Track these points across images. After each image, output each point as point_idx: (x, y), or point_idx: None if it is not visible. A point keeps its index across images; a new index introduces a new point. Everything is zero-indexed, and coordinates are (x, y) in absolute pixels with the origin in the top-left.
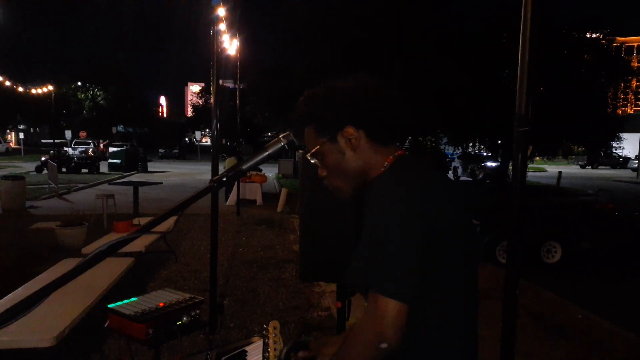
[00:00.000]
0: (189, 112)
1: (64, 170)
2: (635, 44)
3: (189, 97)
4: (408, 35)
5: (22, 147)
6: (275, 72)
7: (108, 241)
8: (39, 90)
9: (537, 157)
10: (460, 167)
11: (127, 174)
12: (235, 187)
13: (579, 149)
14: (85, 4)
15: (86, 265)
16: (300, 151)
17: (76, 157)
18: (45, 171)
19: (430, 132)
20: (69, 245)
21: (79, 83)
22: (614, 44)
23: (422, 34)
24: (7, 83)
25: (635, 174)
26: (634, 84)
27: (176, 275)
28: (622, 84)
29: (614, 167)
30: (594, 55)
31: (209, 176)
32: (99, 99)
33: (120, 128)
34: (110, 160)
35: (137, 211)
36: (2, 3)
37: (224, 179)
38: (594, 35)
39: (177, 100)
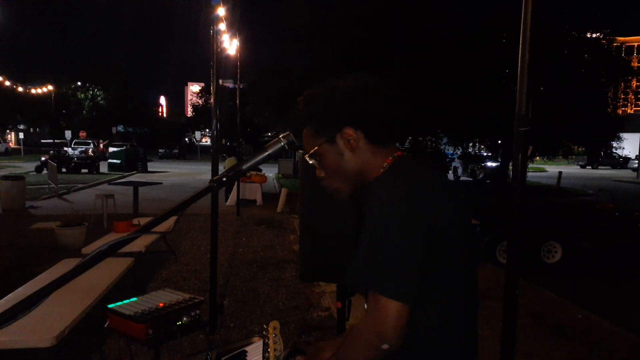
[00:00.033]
0: (189, 112)
1: (63, 170)
2: (636, 44)
3: (189, 97)
4: (408, 35)
5: (21, 147)
6: (275, 72)
7: (108, 241)
8: (39, 90)
9: (537, 157)
10: (460, 167)
11: (127, 174)
12: (235, 187)
13: (579, 149)
14: (85, 4)
15: (86, 265)
16: (300, 151)
17: (76, 157)
18: (45, 171)
19: (430, 132)
20: (68, 245)
21: (79, 83)
22: (614, 44)
23: (422, 34)
24: (7, 83)
25: (635, 174)
26: (634, 84)
27: (176, 275)
28: (622, 84)
29: (614, 167)
30: (594, 55)
31: (209, 176)
32: (99, 99)
33: (120, 128)
34: (110, 160)
35: (137, 211)
36: (2, 3)
37: (224, 179)
38: (594, 35)
39: (177, 100)
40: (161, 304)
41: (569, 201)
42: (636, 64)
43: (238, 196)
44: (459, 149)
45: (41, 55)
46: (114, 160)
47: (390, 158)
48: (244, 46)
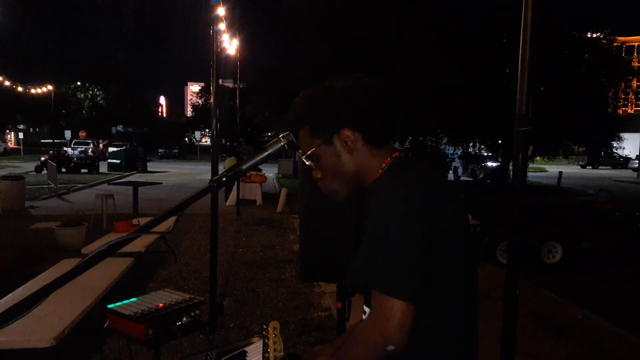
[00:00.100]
0: (189, 112)
1: (63, 170)
2: (636, 44)
3: (189, 97)
4: (408, 35)
5: (21, 147)
6: (275, 72)
7: (108, 241)
8: (39, 90)
9: (538, 157)
10: (460, 167)
11: (127, 174)
12: (235, 187)
13: (580, 149)
14: (85, 4)
15: (86, 266)
16: (299, 151)
17: (76, 157)
18: (44, 171)
19: (430, 132)
20: (68, 245)
21: (79, 83)
22: (615, 44)
23: (422, 34)
24: (7, 83)
25: (635, 174)
26: (635, 83)
27: (176, 275)
28: (622, 84)
29: (614, 167)
30: (594, 55)
31: (208, 176)
32: (99, 98)
33: (120, 128)
34: (109, 160)
35: (137, 211)
36: (2, 3)
37: (224, 179)
38: (594, 35)
39: (177, 100)
40: (161, 304)
41: (569, 201)
42: (636, 64)
43: (238, 196)
44: (459, 149)
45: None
46: (114, 160)
47: (388, 159)
48: (244, 46)
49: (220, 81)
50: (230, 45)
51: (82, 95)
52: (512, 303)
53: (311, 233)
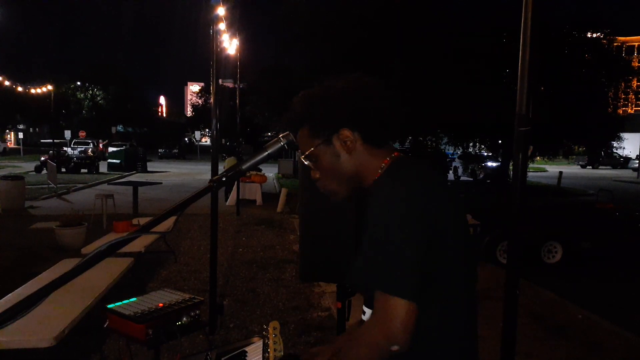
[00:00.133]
0: (189, 112)
1: (63, 170)
2: (636, 44)
3: (189, 97)
4: (408, 35)
5: (21, 147)
6: (275, 72)
7: (108, 241)
8: (39, 90)
9: (538, 157)
10: (460, 167)
11: (127, 174)
12: (235, 187)
13: (580, 149)
14: (85, 4)
15: (86, 265)
16: (299, 151)
17: (75, 157)
18: (44, 171)
19: (431, 132)
20: (68, 245)
21: (79, 83)
22: (615, 44)
23: (422, 34)
24: (7, 83)
25: (635, 174)
26: (635, 83)
27: (176, 275)
28: (622, 84)
29: (614, 167)
30: (594, 55)
31: (208, 176)
32: (99, 98)
33: (120, 128)
34: (109, 160)
35: (137, 211)
36: (2, 3)
37: (224, 179)
38: (594, 35)
39: (177, 100)
40: (161, 304)
41: (569, 201)
42: (636, 64)
43: (238, 196)
44: (459, 149)
45: (41, 55)
46: (114, 160)
47: (388, 159)
48: (244, 46)
49: (220, 81)
50: (230, 45)
51: (82, 95)
52: (512, 303)
53: (311, 233)
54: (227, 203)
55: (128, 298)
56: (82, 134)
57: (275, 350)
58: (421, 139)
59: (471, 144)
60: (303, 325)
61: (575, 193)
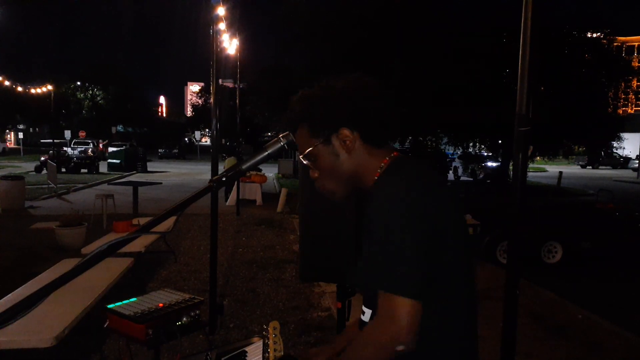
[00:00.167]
0: (189, 112)
1: (63, 170)
2: (636, 44)
3: (189, 97)
4: (408, 35)
5: (21, 147)
6: (275, 72)
7: (108, 241)
8: (39, 90)
9: (538, 157)
10: (460, 167)
11: (127, 174)
12: (235, 187)
13: (580, 149)
14: (85, 4)
15: (86, 266)
16: (298, 150)
17: (75, 157)
18: (44, 171)
19: (431, 132)
20: (68, 245)
21: (79, 83)
22: (615, 44)
23: (422, 34)
24: (7, 83)
25: (635, 174)
26: (635, 83)
27: (176, 275)
28: (622, 84)
29: (614, 167)
30: (594, 55)
31: (208, 176)
32: (99, 98)
33: (120, 128)
34: (109, 160)
35: (137, 211)
36: (2, 3)
37: (224, 179)
38: (594, 35)
39: (177, 100)
40: (161, 304)
41: (569, 201)
42: (636, 64)
43: (238, 196)
44: (459, 149)
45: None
46: (114, 160)
47: (387, 158)
48: (244, 46)
49: (220, 81)
50: (230, 45)
51: (82, 95)
52: (512, 303)
53: (311, 233)
54: (227, 203)
55: (128, 298)
56: (82, 134)
57: (275, 350)
58: (421, 139)
59: (471, 144)
60: (303, 325)
61: (575, 193)
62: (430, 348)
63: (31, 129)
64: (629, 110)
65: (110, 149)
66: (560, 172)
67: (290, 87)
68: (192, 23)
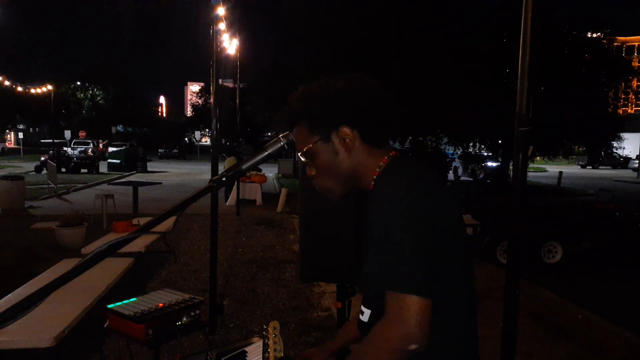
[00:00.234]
0: (189, 112)
1: (63, 170)
2: (636, 44)
3: (189, 97)
4: (408, 35)
5: (21, 147)
6: (275, 71)
7: (108, 241)
8: (39, 90)
9: (538, 157)
10: (460, 167)
11: (127, 174)
12: (235, 187)
13: (580, 149)
14: (85, 4)
15: (86, 265)
16: (297, 147)
17: (75, 157)
18: (44, 171)
19: (431, 132)
20: (68, 245)
21: (79, 83)
22: (615, 44)
23: (422, 34)
24: (7, 83)
25: (635, 174)
26: (635, 83)
27: (176, 275)
28: (622, 84)
29: (614, 167)
30: (594, 55)
31: (208, 176)
32: (99, 98)
33: (120, 128)
34: (109, 160)
35: (137, 211)
36: (2, 3)
37: (224, 179)
38: (594, 35)
39: (177, 99)
40: (161, 304)
41: (569, 201)
42: (636, 64)
43: (238, 196)
44: (459, 149)
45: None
46: (114, 160)
47: (386, 158)
48: (244, 46)
49: (220, 81)
50: (230, 45)
51: (82, 95)
52: (512, 303)
53: (311, 233)
54: (227, 203)
55: (128, 298)
56: (82, 134)
57: (275, 350)
58: (421, 139)
59: (471, 144)
60: (303, 325)
61: (575, 193)
62: (431, 348)
63: (31, 129)
64: (629, 110)
65: (110, 149)
66: (560, 172)
67: (290, 87)
68: (192, 23)
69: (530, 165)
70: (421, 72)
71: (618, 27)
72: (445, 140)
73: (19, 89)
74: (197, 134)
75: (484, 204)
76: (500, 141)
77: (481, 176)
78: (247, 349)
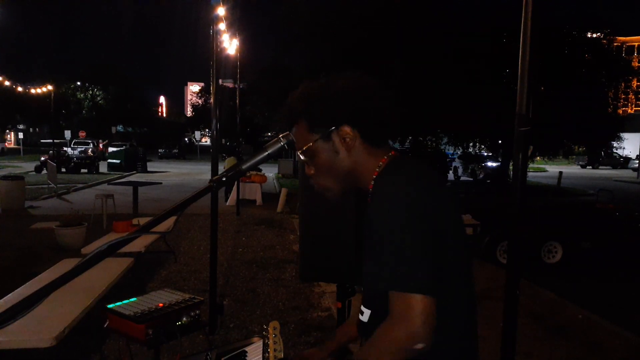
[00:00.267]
0: (189, 112)
1: (63, 170)
2: (636, 44)
3: (189, 97)
4: (408, 35)
5: (21, 147)
6: (275, 72)
7: (108, 241)
8: (39, 90)
9: (538, 157)
10: (460, 167)
11: (127, 174)
12: (235, 187)
13: (580, 149)
14: (85, 4)
15: (86, 265)
16: (296, 146)
17: (75, 157)
18: (44, 171)
19: (431, 132)
20: (68, 245)
21: (79, 83)
22: (615, 44)
23: (422, 34)
24: (7, 83)
25: (635, 174)
26: (635, 83)
27: (176, 275)
28: (622, 84)
29: (614, 167)
30: (594, 55)
31: (208, 176)
32: (99, 98)
33: (120, 128)
34: (109, 160)
35: (137, 211)
36: (2, 3)
37: (224, 179)
38: (594, 35)
39: (177, 99)
40: (161, 304)
41: (569, 201)
42: (636, 64)
43: (238, 196)
44: (459, 149)
45: (41, 55)
46: (114, 160)
47: (385, 158)
48: (244, 46)
49: (220, 81)
50: (230, 45)
51: (82, 95)
52: (512, 303)
53: (311, 233)
54: (227, 203)
55: (128, 298)
56: (82, 134)
57: (275, 350)
58: (421, 139)
59: (471, 144)
60: (303, 325)
61: (575, 193)
62: (431, 348)
63: (31, 129)
64: (629, 110)
65: (110, 149)
66: (560, 172)
67: (290, 87)
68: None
69: (530, 165)
70: (421, 72)
71: (618, 27)
72: (445, 140)
73: (19, 89)
74: (197, 134)
75: (484, 204)
76: (500, 141)
77: (481, 176)
78: (247, 349)
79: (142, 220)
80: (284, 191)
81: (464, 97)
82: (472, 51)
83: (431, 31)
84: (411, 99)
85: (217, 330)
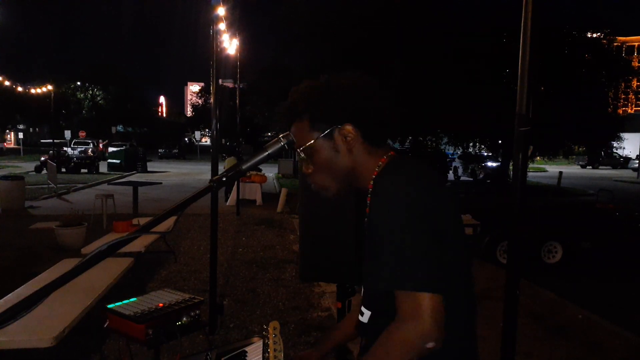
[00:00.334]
0: (189, 112)
1: (63, 170)
2: (636, 44)
3: (189, 97)
4: (408, 35)
5: (21, 147)
6: (275, 71)
7: (108, 241)
8: (39, 90)
9: (538, 157)
10: (460, 167)
11: (127, 174)
12: (235, 187)
13: (580, 149)
14: (85, 4)
15: (86, 266)
16: (296, 143)
17: (75, 157)
18: (44, 171)
19: (431, 132)
20: (68, 245)
21: (79, 83)
22: (615, 44)
23: (422, 34)
24: (7, 83)
25: (635, 174)
26: (635, 83)
27: (176, 275)
28: (622, 84)
29: (614, 167)
30: (594, 55)
31: (208, 176)
32: (99, 98)
33: (120, 128)
34: (109, 160)
35: (137, 211)
36: (2, 3)
37: (224, 179)
38: (594, 35)
39: (177, 99)
40: (161, 304)
41: (569, 201)
42: (636, 64)
43: (238, 196)
44: (459, 149)
45: (41, 55)
46: (114, 160)
47: (385, 157)
48: (244, 46)
49: (220, 81)
50: (230, 45)
51: (82, 95)
52: (512, 303)
53: (311, 233)
54: (227, 203)
55: (128, 298)
56: (82, 134)
57: (275, 350)
58: (421, 139)
59: (471, 144)
60: (303, 325)
61: (575, 193)
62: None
63: (31, 129)
64: (629, 110)
65: (110, 149)
66: (560, 172)
67: (290, 87)
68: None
69: (530, 165)
70: (421, 72)
71: (618, 27)
72: (445, 140)
73: (19, 89)
74: (197, 134)
75: (484, 204)
76: (500, 141)
77: (481, 176)
78: (247, 349)
79: (142, 220)
80: (284, 191)
81: (464, 97)
82: (472, 51)
83: (431, 31)
84: (411, 99)
85: (217, 330)
